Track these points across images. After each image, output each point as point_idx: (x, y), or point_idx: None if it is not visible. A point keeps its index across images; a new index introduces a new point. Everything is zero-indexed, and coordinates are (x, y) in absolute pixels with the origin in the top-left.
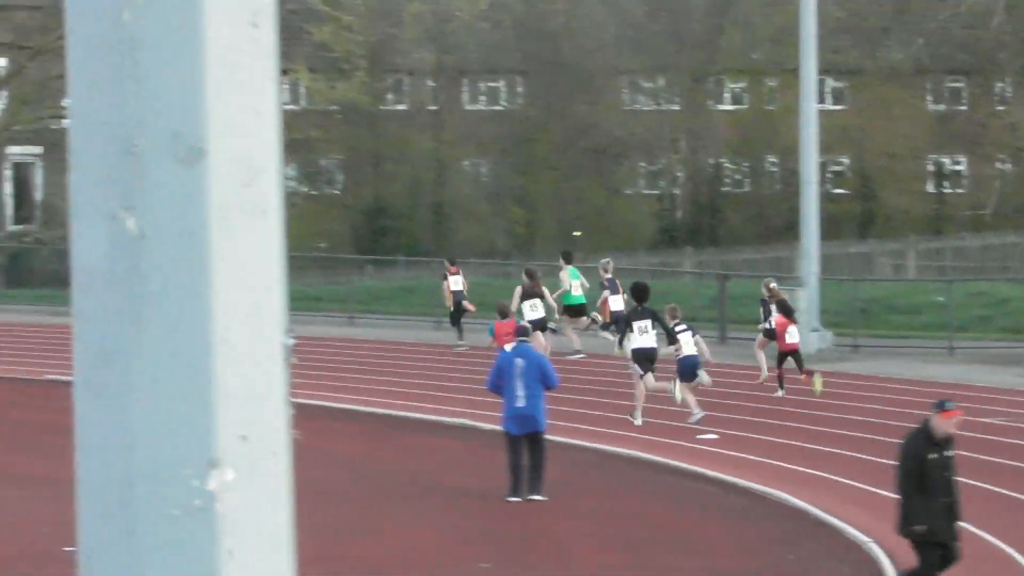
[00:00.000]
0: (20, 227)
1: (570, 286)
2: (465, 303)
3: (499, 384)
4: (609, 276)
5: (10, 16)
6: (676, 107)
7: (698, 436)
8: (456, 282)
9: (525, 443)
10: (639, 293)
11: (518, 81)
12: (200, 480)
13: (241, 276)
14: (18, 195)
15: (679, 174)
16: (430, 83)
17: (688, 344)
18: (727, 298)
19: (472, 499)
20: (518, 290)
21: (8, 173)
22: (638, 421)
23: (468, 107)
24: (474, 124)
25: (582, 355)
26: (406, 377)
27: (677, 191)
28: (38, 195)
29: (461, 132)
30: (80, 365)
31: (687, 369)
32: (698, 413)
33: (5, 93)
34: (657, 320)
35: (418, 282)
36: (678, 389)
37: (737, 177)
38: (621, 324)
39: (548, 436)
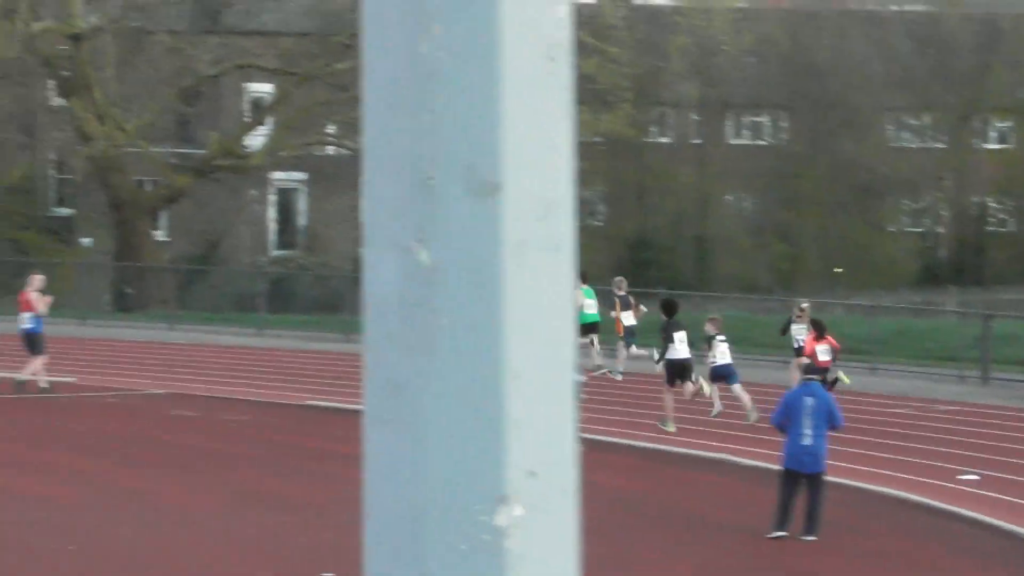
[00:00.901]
0: (283, 252)
1: (583, 304)
2: None
3: (784, 422)
4: (622, 293)
5: (277, 42)
6: (941, 145)
7: (959, 476)
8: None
9: (802, 482)
10: (670, 308)
11: (783, 116)
12: (489, 516)
13: (533, 310)
14: (282, 220)
15: (943, 212)
16: (694, 116)
17: (724, 354)
18: (991, 338)
19: (730, 534)
20: None
21: (272, 198)
22: (671, 428)
23: (732, 141)
24: (738, 158)
25: (604, 370)
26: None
27: (941, 229)
28: (302, 221)
29: (725, 166)
30: (371, 396)
31: (718, 375)
32: (719, 407)
33: (271, 119)
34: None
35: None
36: (707, 385)
37: (1002, 216)
38: (659, 337)
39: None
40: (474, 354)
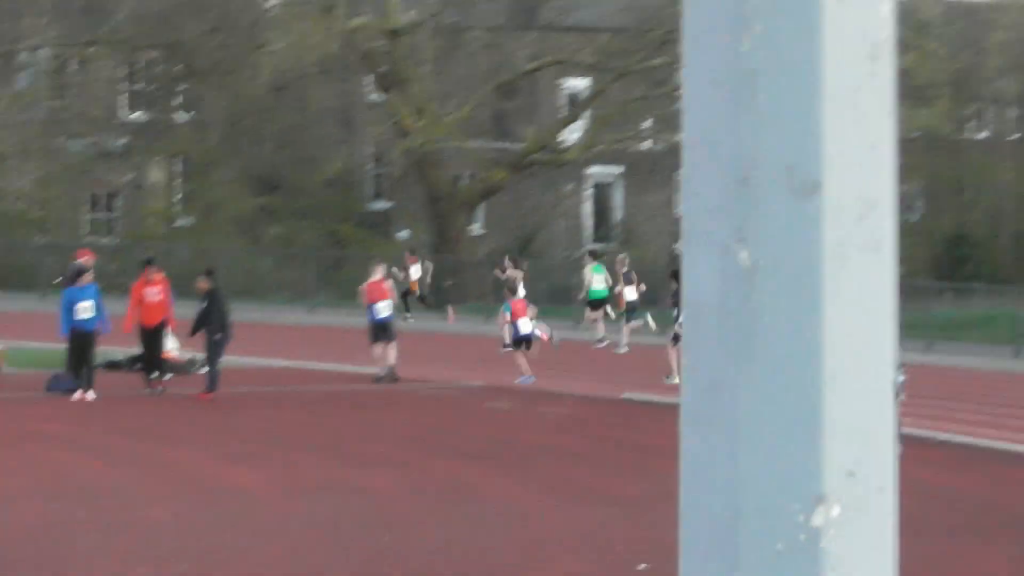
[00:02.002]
0: (599, 246)
1: (592, 280)
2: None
3: None
4: (625, 270)
5: (593, 38)
6: None
7: None
8: (415, 271)
9: None
10: (678, 275)
11: None
12: (806, 515)
13: (853, 311)
14: (598, 214)
15: None
16: (1013, 111)
17: None
18: None
19: None
20: (518, 273)
21: (588, 193)
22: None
23: None
24: None
25: (605, 343)
26: (985, 405)
27: None
28: (617, 215)
29: None
30: (688, 397)
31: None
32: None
33: (587, 114)
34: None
35: (999, 311)
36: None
37: None
38: (669, 300)
39: None
40: (793, 355)
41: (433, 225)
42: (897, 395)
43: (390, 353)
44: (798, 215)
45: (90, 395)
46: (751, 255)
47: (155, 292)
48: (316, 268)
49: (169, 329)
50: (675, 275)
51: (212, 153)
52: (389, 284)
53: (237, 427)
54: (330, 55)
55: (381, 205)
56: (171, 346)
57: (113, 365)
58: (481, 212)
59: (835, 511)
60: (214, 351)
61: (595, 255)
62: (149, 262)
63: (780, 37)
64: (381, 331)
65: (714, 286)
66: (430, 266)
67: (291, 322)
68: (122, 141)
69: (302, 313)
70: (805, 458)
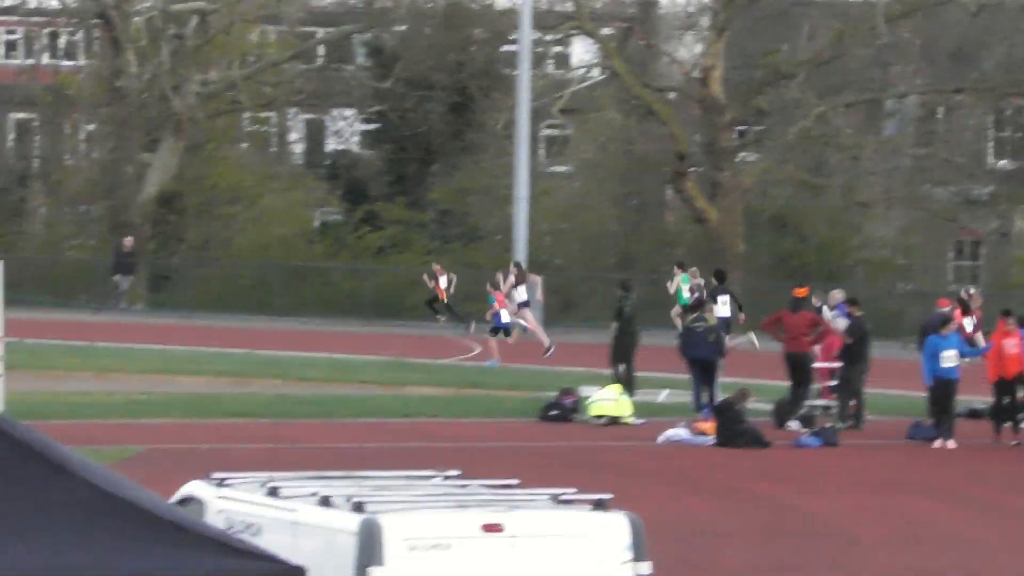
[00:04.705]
0: None
1: (682, 288)
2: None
3: None
4: (697, 281)
5: None
6: None
7: None
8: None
9: None
10: (721, 275)
11: None
12: None
13: None
14: None
15: None
16: None
17: None
18: None
19: None
20: (510, 279)
21: None
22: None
23: None
24: None
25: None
26: None
27: None
28: None
29: None
30: None
31: None
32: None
33: None
34: (733, 296)
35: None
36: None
37: None
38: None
39: None
40: None
41: None
42: None
43: None
44: None
45: (950, 443)
46: None
47: (1013, 344)
48: None
49: None
50: (719, 275)
51: None
52: None
53: None
54: None
55: None
56: None
57: (974, 414)
58: None
59: None
60: None
61: (682, 265)
62: (1006, 313)
63: None
64: None
65: None
66: (454, 277)
67: None
68: (988, 189)
69: None
70: None
